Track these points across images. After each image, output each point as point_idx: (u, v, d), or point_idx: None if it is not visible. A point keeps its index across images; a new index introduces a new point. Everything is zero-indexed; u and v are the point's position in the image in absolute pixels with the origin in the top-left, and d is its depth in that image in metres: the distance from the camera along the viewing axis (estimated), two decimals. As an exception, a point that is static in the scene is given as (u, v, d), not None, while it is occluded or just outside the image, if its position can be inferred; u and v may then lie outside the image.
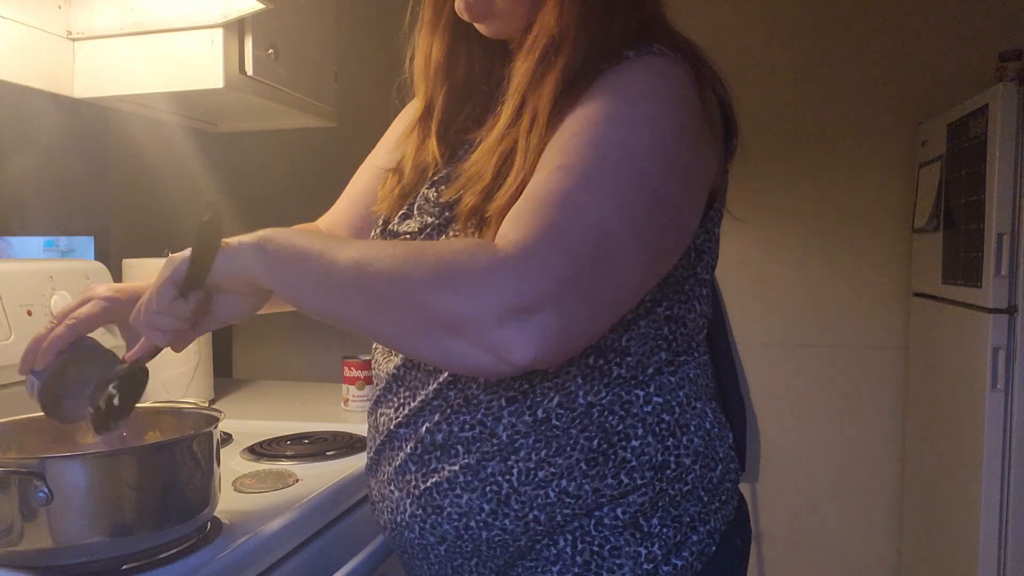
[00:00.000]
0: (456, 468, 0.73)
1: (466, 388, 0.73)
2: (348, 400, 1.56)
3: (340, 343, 1.81)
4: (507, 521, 0.71)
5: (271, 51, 1.48)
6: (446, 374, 0.74)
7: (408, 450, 0.76)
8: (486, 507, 0.72)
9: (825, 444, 2.43)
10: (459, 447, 0.73)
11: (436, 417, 0.74)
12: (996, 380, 1.73)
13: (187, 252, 0.69)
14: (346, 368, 1.57)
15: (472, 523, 0.72)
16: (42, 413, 0.85)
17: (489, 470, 0.71)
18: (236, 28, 1.42)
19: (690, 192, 0.67)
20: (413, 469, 0.76)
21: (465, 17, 0.76)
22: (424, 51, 0.82)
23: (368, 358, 1.51)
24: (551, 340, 0.58)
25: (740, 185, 2.42)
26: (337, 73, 1.77)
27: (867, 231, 2.38)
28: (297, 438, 1.27)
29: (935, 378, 2.11)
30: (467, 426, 0.72)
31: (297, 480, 1.07)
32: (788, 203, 2.42)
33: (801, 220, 2.42)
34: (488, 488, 0.71)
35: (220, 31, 1.38)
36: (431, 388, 0.75)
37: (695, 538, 0.73)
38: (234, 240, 0.68)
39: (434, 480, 0.74)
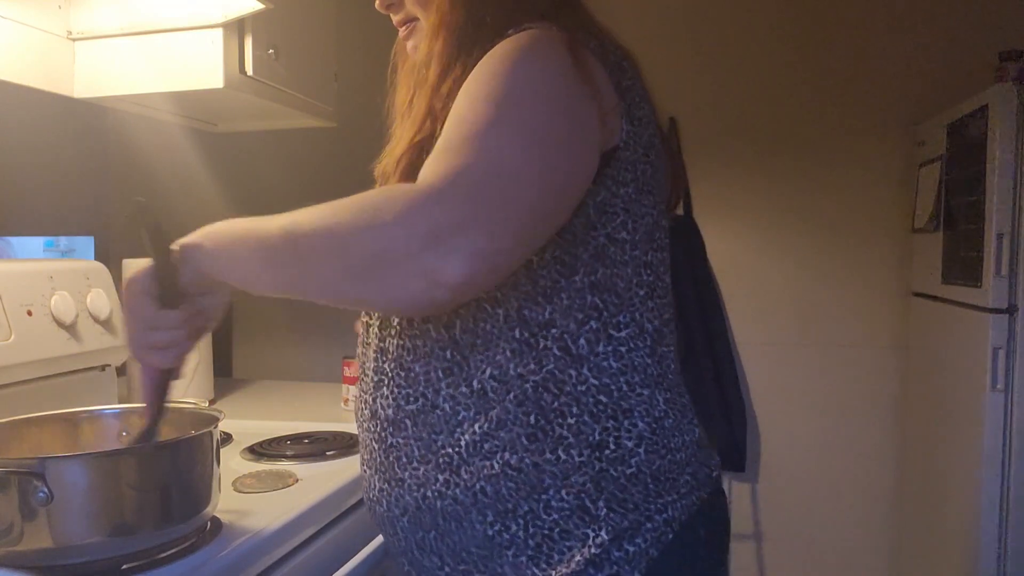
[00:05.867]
0: (411, 441, 0.77)
1: (400, 358, 0.77)
2: (348, 400, 1.56)
3: (340, 343, 1.81)
4: (458, 491, 0.75)
5: (271, 51, 1.48)
6: (376, 346, 0.80)
7: (370, 428, 0.82)
8: (440, 477, 0.75)
9: (825, 444, 2.43)
10: (407, 420, 0.77)
11: (384, 392, 0.79)
12: (996, 380, 1.73)
13: (143, 265, 0.73)
14: (346, 368, 1.57)
15: (429, 493, 0.76)
16: (42, 413, 0.85)
17: (439, 443, 0.75)
18: (236, 28, 1.42)
19: (571, 126, 0.71)
20: (376, 447, 0.81)
21: (415, 57, 0.85)
22: (393, 98, 0.91)
23: (368, 358, 1.51)
24: (478, 257, 0.62)
25: (741, 185, 2.44)
26: (337, 73, 1.77)
27: (867, 231, 2.38)
28: (297, 438, 1.27)
29: (935, 378, 2.11)
30: (411, 398, 0.77)
31: (297, 480, 1.07)
32: (788, 203, 2.42)
33: (801, 220, 2.42)
34: (441, 459, 0.75)
35: (220, 31, 1.38)
36: (371, 363, 0.81)
37: (649, 526, 0.74)
38: (176, 244, 0.73)
39: (394, 455, 0.78)
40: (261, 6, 1.34)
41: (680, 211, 2.26)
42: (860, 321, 2.39)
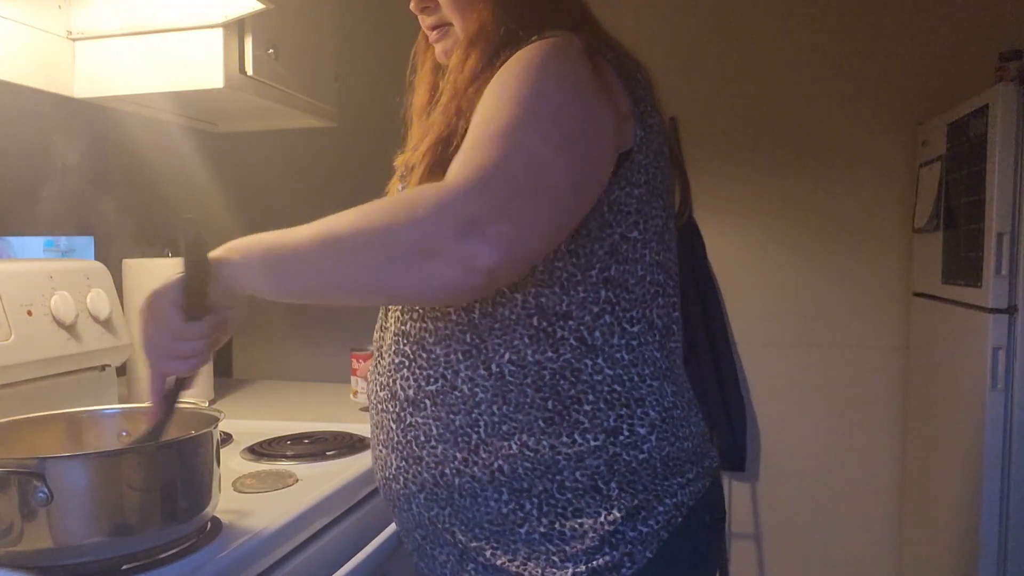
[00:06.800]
0: (430, 421, 0.80)
1: (422, 341, 0.81)
2: (357, 392, 1.57)
3: (340, 343, 1.81)
4: (476, 469, 0.78)
5: (271, 51, 1.48)
6: (395, 329, 0.83)
7: (387, 409, 0.84)
8: (458, 456, 0.79)
9: (825, 444, 2.43)
10: (426, 400, 0.80)
11: (404, 373, 0.82)
12: (996, 380, 1.73)
13: (173, 277, 0.75)
14: (354, 360, 1.57)
15: (447, 470, 0.79)
16: (42, 413, 0.85)
17: (458, 423, 0.79)
18: (236, 28, 1.41)
19: (592, 125, 0.74)
20: (394, 426, 0.83)
21: (443, 61, 0.90)
22: (411, 98, 0.95)
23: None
24: (509, 246, 0.66)
25: (741, 184, 2.44)
26: (337, 73, 1.77)
27: (867, 231, 2.37)
28: (297, 438, 1.27)
29: (935, 378, 2.11)
30: (431, 379, 0.80)
31: (297, 480, 1.07)
32: (788, 203, 2.42)
33: (801, 220, 2.42)
34: (460, 439, 0.79)
35: (220, 31, 1.38)
36: (390, 346, 0.84)
37: (661, 509, 0.78)
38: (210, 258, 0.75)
39: (412, 434, 0.82)
40: (261, 6, 1.34)
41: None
42: (861, 321, 2.39)
